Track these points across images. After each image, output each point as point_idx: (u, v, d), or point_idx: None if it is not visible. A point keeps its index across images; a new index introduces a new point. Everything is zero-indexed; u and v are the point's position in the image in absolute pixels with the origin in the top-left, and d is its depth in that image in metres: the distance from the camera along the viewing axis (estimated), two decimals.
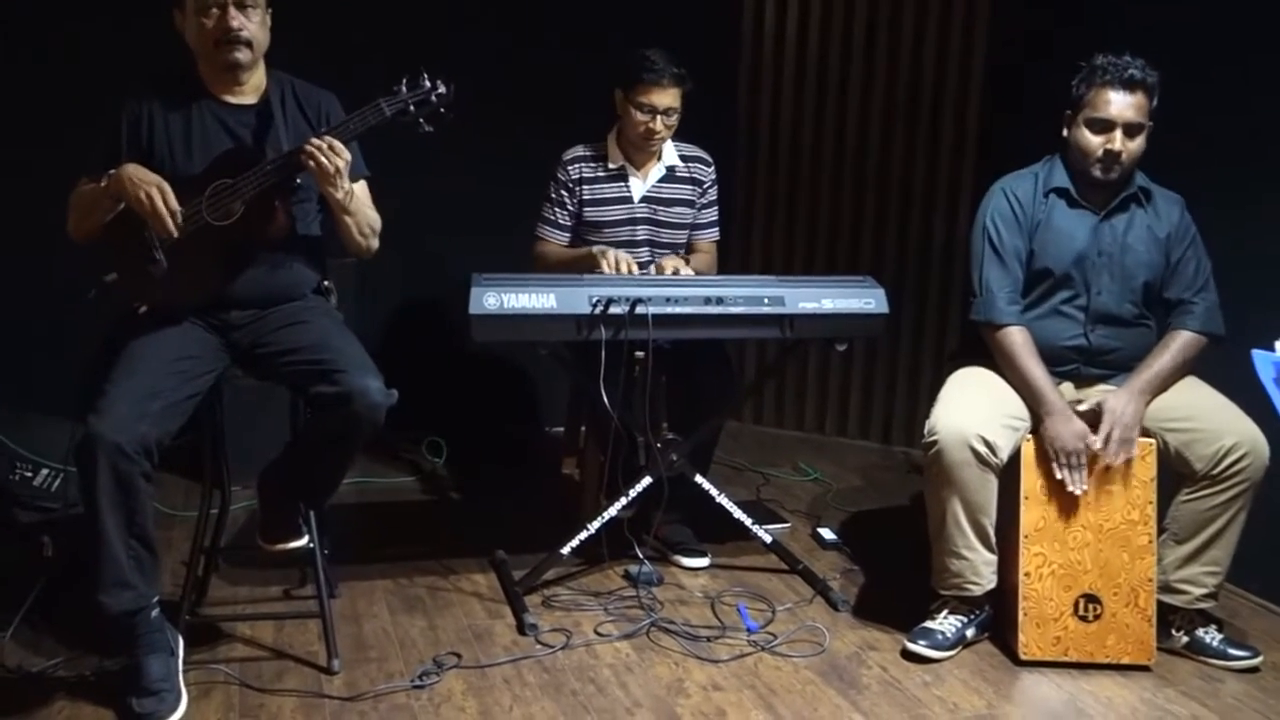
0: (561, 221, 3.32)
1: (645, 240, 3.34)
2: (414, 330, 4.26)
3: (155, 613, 2.39)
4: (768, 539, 3.14)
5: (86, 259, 2.54)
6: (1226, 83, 3.18)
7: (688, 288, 2.85)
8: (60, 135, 3.17)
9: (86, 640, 2.56)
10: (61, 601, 2.66)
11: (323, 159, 2.41)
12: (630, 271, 3.05)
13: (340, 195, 2.49)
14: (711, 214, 3.46)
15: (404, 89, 2.48)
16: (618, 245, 3.28)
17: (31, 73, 3.68)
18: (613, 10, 4.15)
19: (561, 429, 3.83)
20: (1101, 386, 2.81)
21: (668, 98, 3.18)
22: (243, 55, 2.52)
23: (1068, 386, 2.82)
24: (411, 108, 2.48)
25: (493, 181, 3.99)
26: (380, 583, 3.04)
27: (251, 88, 2.60)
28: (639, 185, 3.33)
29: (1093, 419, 2.68)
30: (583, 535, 2.98)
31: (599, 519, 2.98)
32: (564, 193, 3.30)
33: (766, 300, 2.85)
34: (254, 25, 2.52)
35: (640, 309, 2.74)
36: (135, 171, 2.42)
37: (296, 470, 2.59)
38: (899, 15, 4.24)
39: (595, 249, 3.14)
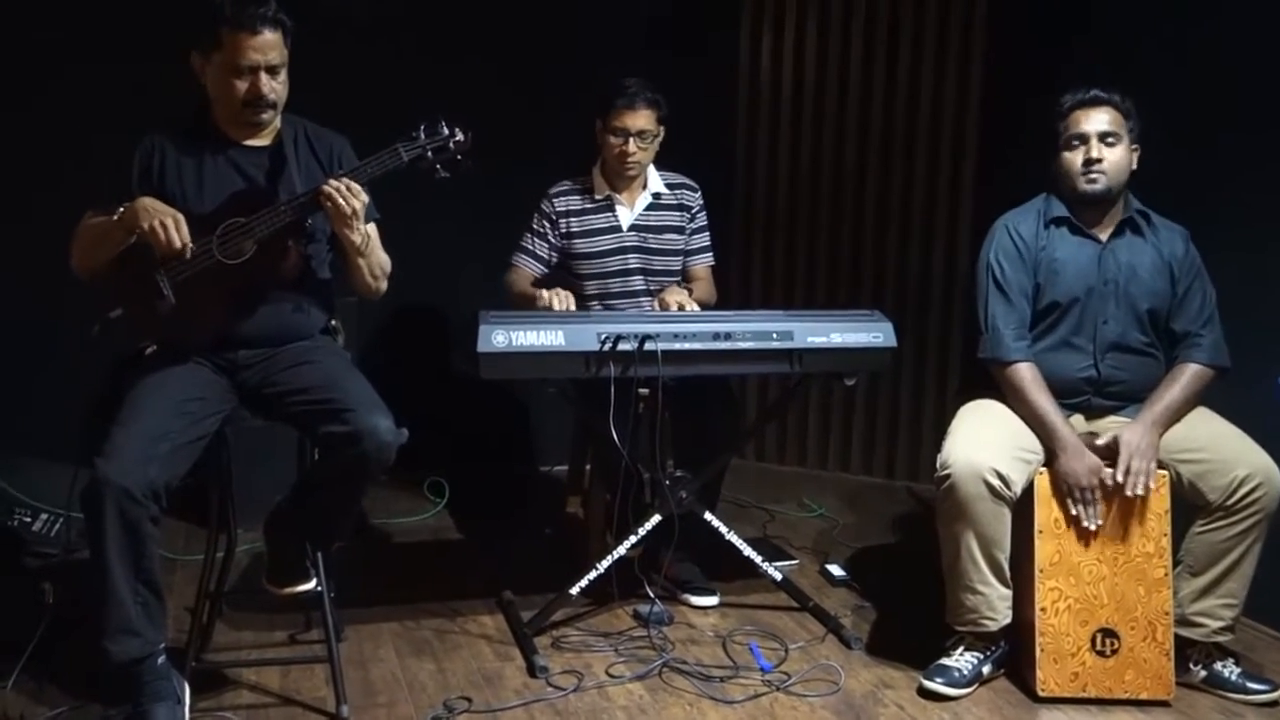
0: (538, 252, 3.32)
1: (637, 269, 3.34)
2: (414, 370, 4.21)
3: (161, 660, 2.34)
4: (778, 576, 3.11)
5: (88, 297, 2.51)
6: (1236, 111, 3.19)
7: (696, 324, 2.84)
8: (61, 173, 3.16)
9: (90, 689, 2.51)
10: (63, 649, 2.61)
11: (340, 200, 2.39)
12: (567, 306, 3.06)
13: (357, 238, 2.47)
14: (703, 239, 3.46)
15: (422, 135, 2.47)
16: (609, 275, 3.31)
17: (34, 110, 3.66)
18: (611, 48, 4.16)
19: (564, 468, 3.80)
20: (1112, 418, 2.80)
21: (641, 120, 3.20)
22: (268, 116, 2.54)
23: (1078, 419, 2.80)
24: (429, 154, 2.47)
25: (491, 220, 3.97)
26: (386, 625, 2.99)
27: (266, 130, 2.59)
28: (626, 214, 3.33)
29: (1106, 453, 2.67)
30: (591, 575, 2.94)
31: (608, 558, 2.94)
32: (546, 224, 3.31)
33: (775, 335, 2.84)
34: (281, 88, 2.52)
35: (649, 345, 2.72)
36: (151, 203, 2.41)
37: (305, 512, 2.56)
38: (895, 47, 4.26)
39: (538, 294, 3.13)
